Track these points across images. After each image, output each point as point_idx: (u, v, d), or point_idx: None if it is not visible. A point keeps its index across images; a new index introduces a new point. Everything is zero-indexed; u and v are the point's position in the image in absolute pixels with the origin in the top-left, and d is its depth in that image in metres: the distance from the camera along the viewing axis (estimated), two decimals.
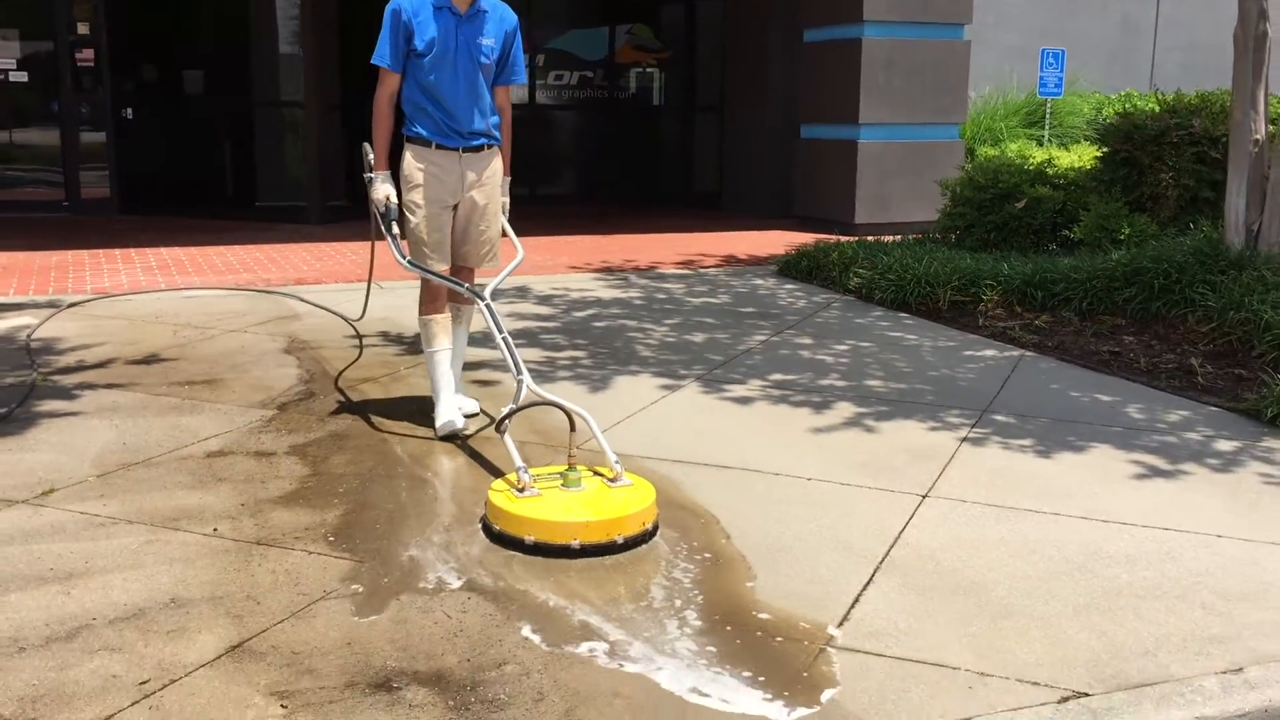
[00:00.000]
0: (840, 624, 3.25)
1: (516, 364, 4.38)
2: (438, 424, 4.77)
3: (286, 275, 8.80)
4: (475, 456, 4.58)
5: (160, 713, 2.72)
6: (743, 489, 4.29)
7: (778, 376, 5.97)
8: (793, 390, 5.69)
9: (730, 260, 10.02)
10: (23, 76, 12.69)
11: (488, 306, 4.55)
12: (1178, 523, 4.03)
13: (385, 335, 6.74)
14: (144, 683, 2.85)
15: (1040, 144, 12.34)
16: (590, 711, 2.76)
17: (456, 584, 3.44)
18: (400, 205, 4.76)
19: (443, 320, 4.87)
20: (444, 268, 4.81)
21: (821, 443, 4.87)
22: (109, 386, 5.51)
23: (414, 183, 4.72)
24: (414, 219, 4.74)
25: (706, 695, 2.85)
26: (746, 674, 2.96)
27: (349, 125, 12.22)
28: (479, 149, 4.78)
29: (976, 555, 3.73)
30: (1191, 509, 4.17)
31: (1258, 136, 6.79)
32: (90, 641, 3.05)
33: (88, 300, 7.65)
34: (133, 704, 2.75)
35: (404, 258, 4.73)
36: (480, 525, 3.81)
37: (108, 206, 12.81)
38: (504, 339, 4.46)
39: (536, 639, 3.11)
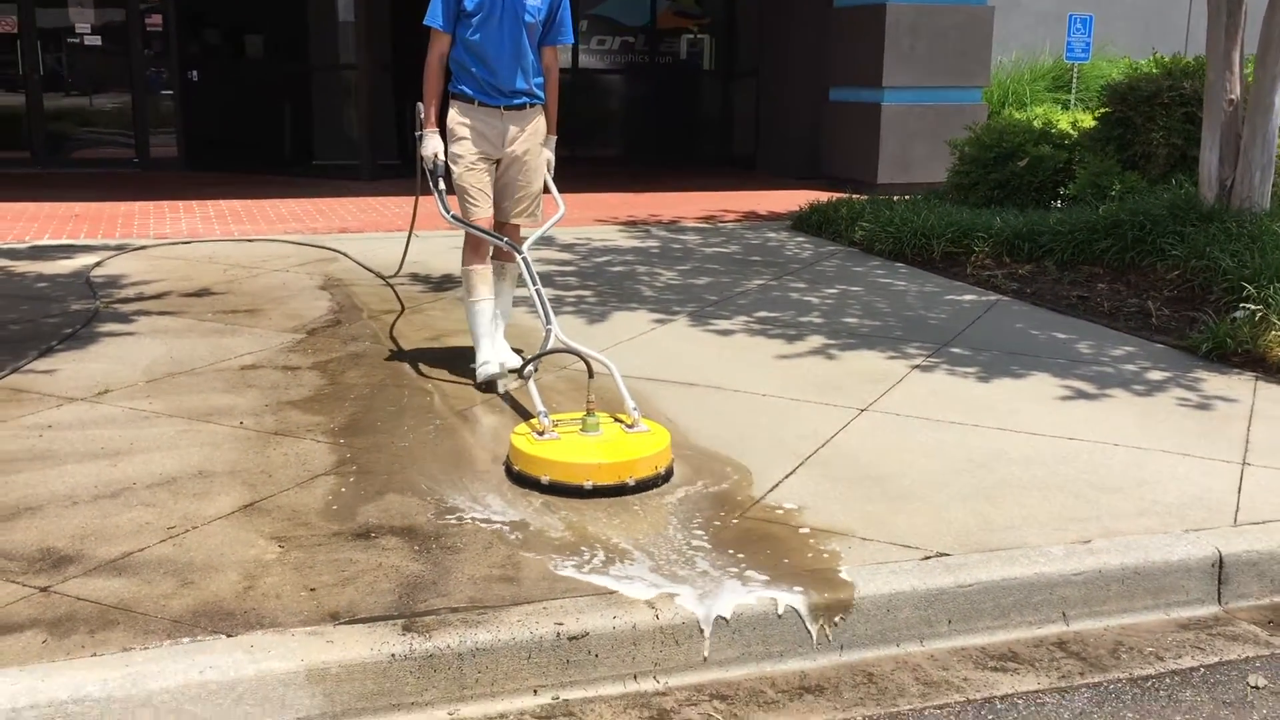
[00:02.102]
0: (758, 501, 3.82)
1: (547, 314, 4.64)
2: (478, 373, 4.97)
3: (332, 225, 9.48)
4: (468, 371, 5.19)
5: (181, 548, 3.37)
6: (701, 401, 4.87)
7: (763, 314, 6.51)
8: (772, 325, 6.24)
9: (750, 216, 10.53)
10: (96, 40, 13.54)
11: (524, 259, 4.83)
12: (1083, 434, 4.54)
13: (414, 276, 7.37)
14: (170, 528, 3.51)
15: (1066, 108, 12.64)
16: (529, 552, 3.36)
17: (437, 462, 4.06)
18: (446, 160, 4.96)
19: (484, 271, 5.01)
20: (486, 216, 4.95)
21: (784, 367, 5.43)
22: (162, 313, 6.23)
23: (458, 136, 4.90)
24: (457, 169, 4.91)
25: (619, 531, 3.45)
26: (669, 528, 3.54)
27: (400, 87, 12.88)
28: (521, 107, 4.93)
29: (893, 455, 4.27)
30: (1101, 424, 4.67)
31: (1232, 97, 7.15)
32: (130, 499, 3.72)
33: (151, 245, 8.40)
34: (160, 542, 3.41)
35: (448, 212, 4.91)
36: (503, 467, 4.02)
37: (175, 163, 13.63)
38: (538, 291, 4.71)
39: (494, 501, 3.72)
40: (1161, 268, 6.96)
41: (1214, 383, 5.28)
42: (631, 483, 3.80)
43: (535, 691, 2.93)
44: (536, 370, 4.46)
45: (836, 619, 3.16)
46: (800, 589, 3.18)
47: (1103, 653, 3.23)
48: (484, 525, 3.56)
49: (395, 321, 6.15)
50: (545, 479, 3.80)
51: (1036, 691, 3.02)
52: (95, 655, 2.76)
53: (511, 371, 4.99)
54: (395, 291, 6.71)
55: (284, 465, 4.05)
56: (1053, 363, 5.58)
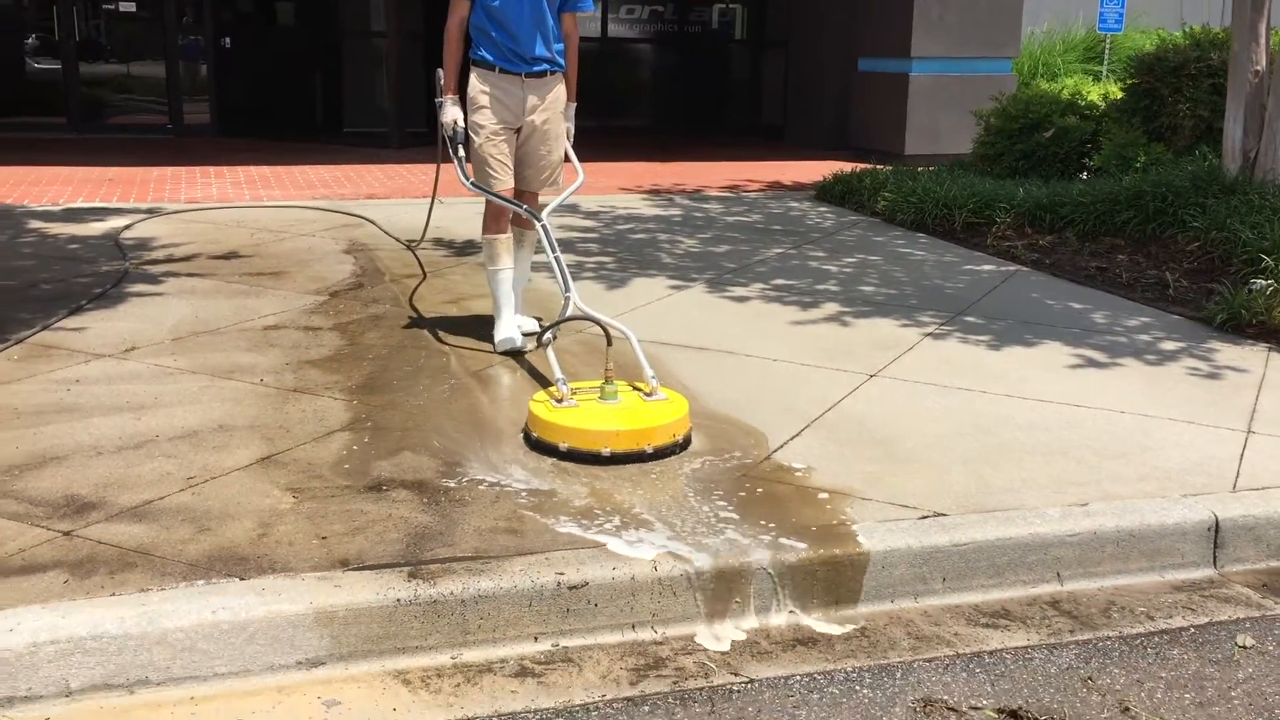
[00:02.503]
0: (762, 461, 3.89)
1: (566, 281, 4.62)
2: (497, 341, 5.01)
3: (359, 191, 9.59)
4: (486, 329, 5.29)
5: (200, 496, 3.49)
6: (713, 366, 4.94)
7: (780, 281, 6.57)
8: (788, 293, 6.30)
9: (774, 186, 10.55)
10: (131, 7, 13.68)
11: (544, 227, 4.80)
12: (1091, 401, 4.58)
13: (438, 242, 7.46)
14: (190, 478, 3.63)
15: (1097, 80, 12.55)
16: (534, 509, 3.45)
17: (451, 420, 4.16)
18: (466, 127, 4.92)
19: (505, 240, 5.04)
20: (507, 187, 4.94)
21: (797, 334, 5.49)
22: (190, 275, 6.36)
23: (478, 105, 4.88)
24: (477, 139, 4.87)
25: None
26: (675, 485, 3.63)
27: (430, 55, 12.95)
28: (541, 74, 4.90)
29: (899, 419, 4.33)
30: (1109, 392, 4.70)
31: (1258, 68, 7.11)
32: (152, 450, 3.85)
33: (182, 209, 8.54)
34: (179, 490, 3.53)
35: (468, 179, 4.89)
36: (521, 434, 4.02)
37: (208, 129, 13.78)
38: (557, 258, 4.68)
39: (503, 459, 3.82)
40: (1182, 239, 6.95)
41: (1226, 353, 5.30)
42: (649, 450, 3.83)
43: (535, 638, 3.02)
44: (555, 337, 4.46)
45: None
46: (802, 545, 3.26)
47: (1094, 612, 3.29)
48: (492, 481, 3.66)
49: (417, 286, 6.25)
50: (563, 445, 3.82)
51: (1025, 647, 3.09)
52: (114, 595, 2.88)
53: (528, 335, 5.07)
54: (417, 257, 6.81)
55: (301, 421, 4.16)
56: (1066, 332, 5.61)
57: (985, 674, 2.95)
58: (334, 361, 4.87)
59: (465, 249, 7.22)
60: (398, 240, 7.43)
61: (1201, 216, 6.89)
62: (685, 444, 3.96)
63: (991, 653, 3.06)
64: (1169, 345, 5.42)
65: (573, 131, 5.18)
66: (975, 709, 2.79)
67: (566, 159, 5.21)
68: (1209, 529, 3.56)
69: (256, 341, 5.12)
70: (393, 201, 9.08)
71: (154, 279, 6.26)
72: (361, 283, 6.30)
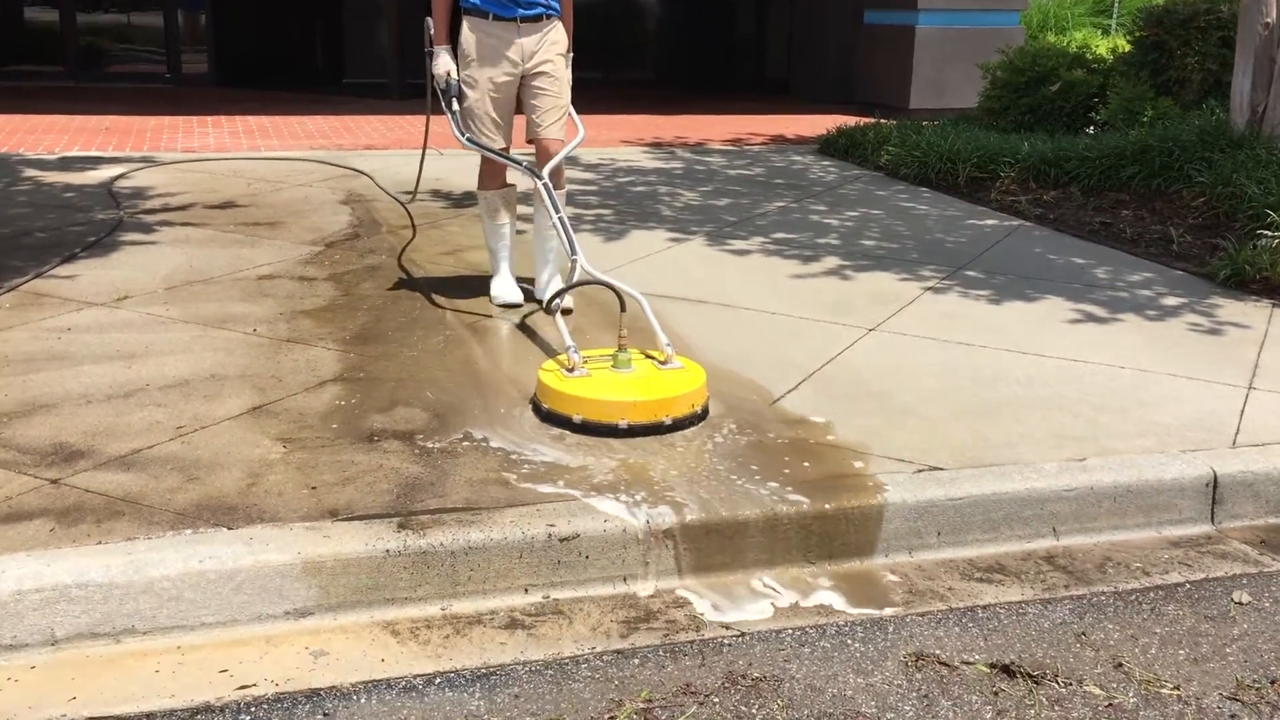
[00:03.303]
0: (759, 413, 3.85)
1: (571, 243, 4.35)
2: (493, 295, 4.94)
3: (358, 142, 9.51)
4: (483, 287, 5.24)
5: (189, 446, 3.46)
6: (710, 318, 4.89)
7: (780, 235, 6.51)
8: (789, 246, 6.24)
9: (777, 139, 10.45)
10: None
11: (545, 185, 4.53)
12: (1090, 356, 4.53)
13: (435, 193, 7.40)
14: (180, 427, 3.60)
15: (1106, 33, 12.40)
16: (523, 454, 3.42)
17: (445, 371, 4.13)
18: (459, 79, 4.71)
19: (503, 194, 4.92)
20: (500, 147, 4.76)
21: (796, 287, 5.44)
22: (184, 224, 6.30)
23: (471, 57, 4.65)
24: (472, 95, 4.67)
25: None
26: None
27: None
28: (537, 19, 4.65)
29: (896, 373, 4.29)
30: (1109, 347, 4.66)
31: (1268, 20, 6.99)
32: (142, 399, 3.81)
33: (178, 159, 8.46)
34: (169, 440, 3.50)
35: (463, 134, 4.68)
36: (530, 405, 3.82)
37: (206, 79, 13.66)
38: (560, 219, 4.43)
39: (496, 407, 3.79)
40: (1187, 195, 6.88)
41: (1229, 309, 5.25)
42: (668, 421, 3.64)
43: (526, 590, 3.00)
44: (563, 302, 4.30)
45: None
46: (797, 499, 3.23)
47: (1089, 567, 3.27)
48: (482, 434, 3.63)
49: (413, 237, 6.19)
50: (577, 418, 3.63)
51: (1020, 602, 3.06)
52: (100, 543, 2.85)
53: (532, 302, 4.93)
54: (408, 211, 6.73)
55: (294, 371, 4.12)
56: (1067, 287, 5.55)
57: (978, 629, 2.93)
58: (328, 312, 4.83)
59: (464, 201, 7.15)
60: (391, 195, 7.31)
61: (1207, 172, 6.81)
62: (704, 414, 3.77)
63: (985, 607, 3.03)
64: (1171, 301, 5.36)
65: (570, 82, 4.93)
66: (967, 664, 2.77)
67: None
68: (1207, 485, 3.53)
69: (250, 291, 5.08)
70: (391, 152, 9.00)
71: (148, 228, 6.20)
72: (358, 233, 6.25)
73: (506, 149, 4.79)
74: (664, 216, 6.92)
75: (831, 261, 5.92)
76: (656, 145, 9.91)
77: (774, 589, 3.08)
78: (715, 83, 14.87)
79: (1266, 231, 5.89)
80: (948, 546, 3.32)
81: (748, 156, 9.42)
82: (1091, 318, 5.06)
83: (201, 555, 2.82)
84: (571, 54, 4.90)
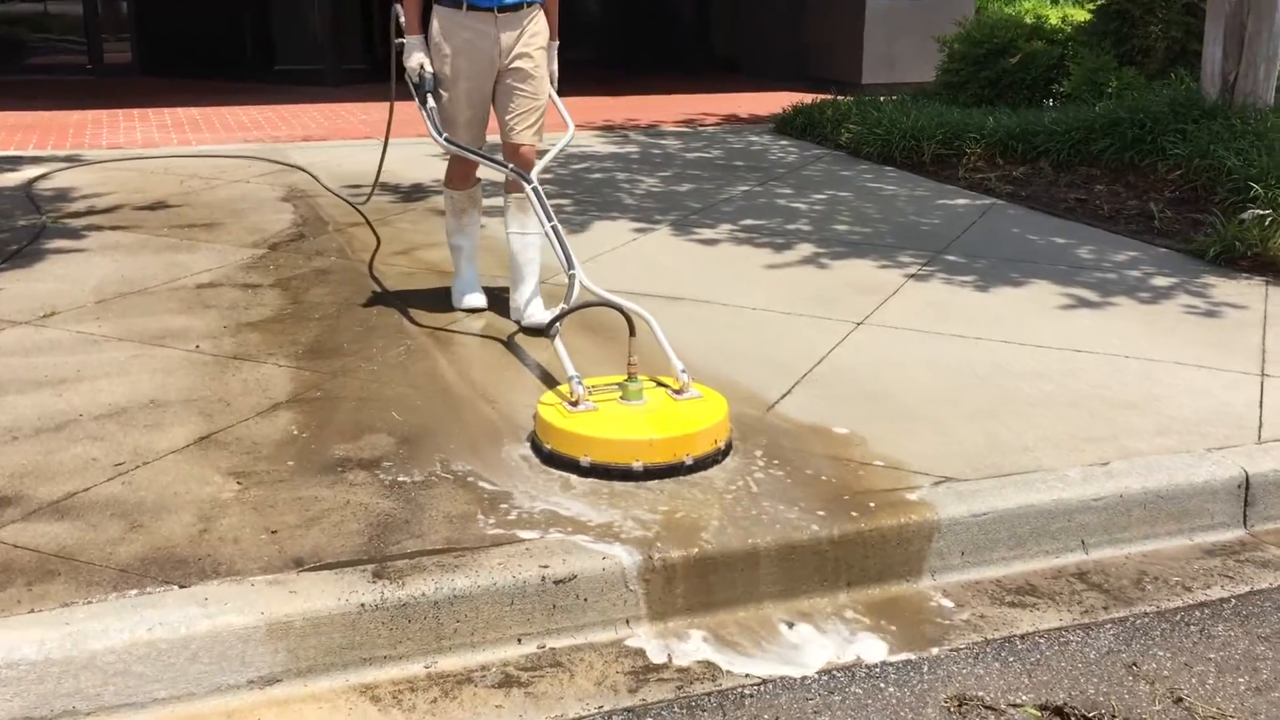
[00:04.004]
0: (755, 422, 3.56)
1: (567, 257, 3.90)
2: (457, 298, 4.62)
3: (295, 133, 9.07)
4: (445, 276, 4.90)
5: (131, 486, 3.10)
6: (689, 317, 4.59)
7: (748, 221, 6.22)
8: (759, 234, 5.95)
9: (731, 119, 10.16)
10: None
11: (535, 190, 4.09)
12: (1091, 345, 4.30)
13: (382, 186, 7.00)
14: (119, 464, 3.23)
15: (1055, 2, 12.23)
16: (506, 481, 3.11)
17: (410, 388, 3.79)
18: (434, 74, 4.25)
19: (471, 194, 4.57)
20: (479, 146, 4.34)
21: (773, 278, 5.15)
22: (114, 228, 5.88)
23: (443, 51, 4.21)
24: (445, 94, 4.24)
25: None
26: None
27: None
28: (517, 8, 4.20)
29: (894, 371, 4.02)
30: (1108, 334, 4.43)
31: None
32: (75, 432, 3.44)
33: (103, 157, 7.98)
34: (107, 480, 3.14)
35: (441, 134, 4.20)
36: (529, 444, 3.37)
37: (129, 69, 13.07)
38: (553, 227, 3.97)
39: (472, 426, 3.46)
40: (1163, 168, 6.68)
41: (1223, 288, 5.05)
42: (689, 461, 3.18)
43: (519, 640, 2.69)
44: (561, 325, 3.71)
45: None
46: (808, 523, 2.95)
47: (1126, 583, 3.02)
48: (460, 455, 3.30)
49: (361, 235, 5.82)
50: (585, 460, 3.17)
51: (1059, 629, 2.81)
52: (33, 612, 2.50)
53: (525, 329, 4.42)
54: (364, 214, 6.35)
55: (243, 393, 3.76)
56: (1053, 269, 5.32)
57: (1019, 663, 2.67)
58: (277, 323, 4.46)
59: (413, 194, 6.78)
60: (343, 199, 6.77)
61: (1182, 143, 6.62)
62: (727, 450, 3.32)
63: (1023, 637, 2.77)
64: (1161, 281, 5.15)
65: (556, 75, 4.48)
66: (1015, 706, 2.51)
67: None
68: (1239, 486, 3.30)
69: (190, 302, 4.69)
70: (332, 143, 8.58)
71: (74, 234, 5.77)
72: (303, 233, 5.86)
73: (482, 148, 4.36)
74: (626, 205, 6.61)
75: (805, 249, 5.64)
76: (608, 128, 9.57)
77: (793, 626, 2.79)
78: (660, 61, 14.53)
79: (1251, 205, 5.70)
80: (972, 567, 3.06)
81: (703, 138, 9.12)
82: (1084, 302, 4.83)
83: (150, 621, 2.47)
84: (556, 43, 4.47)
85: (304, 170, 7.46)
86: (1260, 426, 3.60)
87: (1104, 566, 3.11)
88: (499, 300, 4.64)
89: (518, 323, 4.45)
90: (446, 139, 4.21)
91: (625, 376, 3.44)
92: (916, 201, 6.75)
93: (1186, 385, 3.93)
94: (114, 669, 2.42)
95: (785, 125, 9.29)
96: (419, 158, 7.60)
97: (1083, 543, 3.16)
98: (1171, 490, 3.23)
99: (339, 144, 8.53)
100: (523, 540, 2.81)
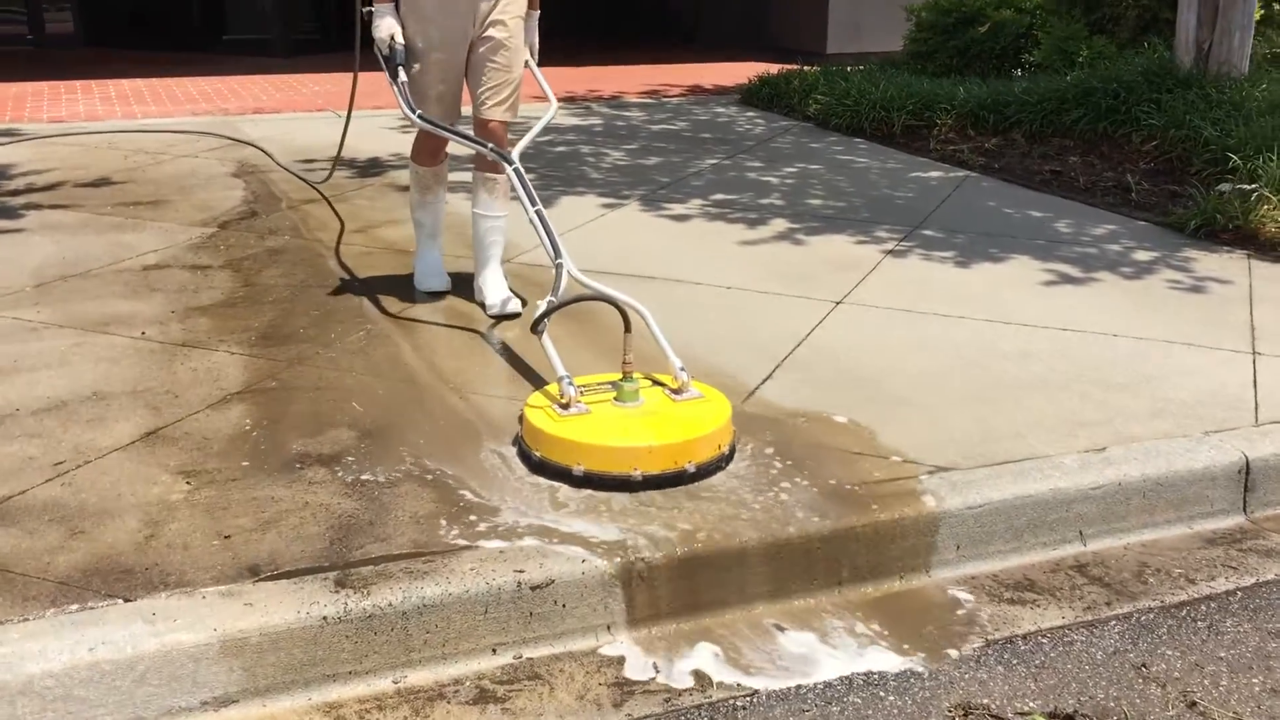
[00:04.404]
0: (737, 408, 3.39)
1: (554, 245, 3.62)
2: (419, 280, 4.40)
3: (246, 105, 8.77)
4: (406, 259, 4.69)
5: (71, 487, 2.89)
6: (663, 297, 4.40)
7: (719, 196, 6.03)
8: (731, 209, 5.77)
9: (695, 90, 9.95)
10: None
11: (517, 171, 3.81)
12: (1078, 323, 4.16)
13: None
14: (59, 463, 3.01)
15: None
16: (464, 469, 2.92)
17: (371, 375, 3.59)
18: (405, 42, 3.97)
19: (437, 171, 4.33)
20: (450, 121, 4.09)
21: (748, 256, 4.98)
22: (54, 207, 5.60)
23: (415, 21, 3.95)
24: (416, 65, 3.99)
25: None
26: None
27: None
28: None
29: (878, 354, 3.87)
30: (1094, 312, 4.30)
31: None
32: (11, 429, 3.21)
33: (44, 131, 7.65)
34: (46, 481, 2.92)
35: (413, 110, 3.91)
36: (516, 451, 3.10)
37: (72, 40, 12.64)
38: (537, 212, 3.70)
39: (438, 417, 3.27)
40: (1137, 138, 6.57)
41: (1205, 262, 4.93)
42: (692, 469, 2.92)
43: (494, 650, 2.52)
44: (548, 321, 3.37)
45: None
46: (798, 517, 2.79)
47: (1127, 576, 2.89)
48: (427, 449, 3.11)
49: (316, 212, 5.58)
50: (578, 469, 2.90)
51: (1062, 628, 2.67)
52: None
53: (502, 317, 4.17)
54: (323, 194, 6.10)
55: (193, 383, 3.55)
56: (1032, 244, 5.19)
57: (1024, 666, 2.52)
58: (228, 307, 4.23)
59: (369, 169, 6.54)
60: (298, 176, 6.44)
61: (1157, 114, 6.50)
62: (730, 456, 3.07)
63: (1025, 637, 2.63)
64: (1143, 255, 5.03)
65: (537, 48, 4.27)
66: (1023, 715, 2.36)
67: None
68: (1239, 471, 3.17)
69: (135, 285, 4.45)
70: (283, 116, 8.30)
71: (12, 213, 5.49)
72: (255, 211, 5.61)
73: (455, 123, 4.10)
74: (592, 180, 6.40)
75: (779, 225, 5.47)
76: (570, 100, 9.33)
77: (784, 629, 2.63)
78: (617, 30, 14.27)
79: (1229, 176, 5.59)
80: (967, 561, 2.92)
81: (668, 109, 8.91)
82: (1066, 278, 4.70)
83: (92, 640, 2.27)
84: (537, 13, 4.22)
85: (255, 146, 7.18)
86: (1256, 408, 3.48)
87: (1103, 558, 2.98)
88: (463, 282, 4.44)
89: (481, 305, 4.26)
90: (420, 115, 3.92)
91: (619, 375, 3.17)
92: (889, 174, 6.60)
93: (1178, 365, 3.80)
94: (53, 694, 2.22)
95: (751, 96, 9.10)
96: (375, 130, 7.35)
97: (1080, 533, 3.03)
98: (1171, 477, 3.10)
99: (291, 116, 8.24)
100: (496, 544, 2.63)
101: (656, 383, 3.27)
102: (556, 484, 2.92)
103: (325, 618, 2.39)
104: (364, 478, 2.95)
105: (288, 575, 2.51)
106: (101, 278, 4.53)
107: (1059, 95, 7.11)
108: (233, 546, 2.62)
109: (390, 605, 2.43)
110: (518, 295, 4.27)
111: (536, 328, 3.32)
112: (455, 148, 4.34)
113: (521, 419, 3.13)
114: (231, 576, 2.50)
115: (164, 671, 2.28)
